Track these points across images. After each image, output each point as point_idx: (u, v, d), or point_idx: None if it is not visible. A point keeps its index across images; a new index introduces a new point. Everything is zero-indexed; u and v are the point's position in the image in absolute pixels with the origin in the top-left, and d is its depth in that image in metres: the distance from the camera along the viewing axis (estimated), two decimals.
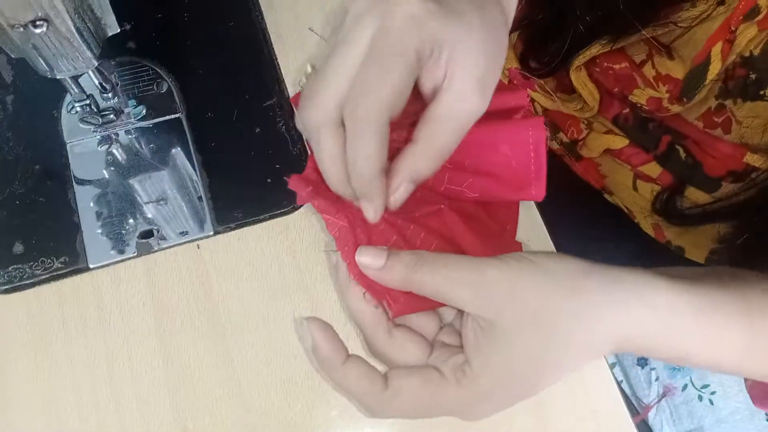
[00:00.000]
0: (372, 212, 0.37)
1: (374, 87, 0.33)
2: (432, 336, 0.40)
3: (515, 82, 0.62)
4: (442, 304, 0.39)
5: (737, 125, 0.49)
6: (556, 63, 0.55)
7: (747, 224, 0.47)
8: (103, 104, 0.48)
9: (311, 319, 0.36)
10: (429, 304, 0.39)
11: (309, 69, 0.36)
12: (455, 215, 0.41)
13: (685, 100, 0.47)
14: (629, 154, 0.58)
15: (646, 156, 0.57)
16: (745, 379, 0.55)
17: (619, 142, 0.58)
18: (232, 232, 0.46)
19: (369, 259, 0.37)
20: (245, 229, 0.46)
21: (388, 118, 0.33)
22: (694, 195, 0.54)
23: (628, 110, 0.57)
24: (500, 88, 0.45)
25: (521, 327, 0.34)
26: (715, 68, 0.44)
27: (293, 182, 0.40)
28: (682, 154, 0.54)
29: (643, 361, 0.68)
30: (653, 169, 0.57)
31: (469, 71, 0.34)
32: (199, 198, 0.47)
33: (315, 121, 0.35)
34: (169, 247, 0.46)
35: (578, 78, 0.55)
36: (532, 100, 0.63)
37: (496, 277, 0.35)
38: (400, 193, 0.37)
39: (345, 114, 0.34)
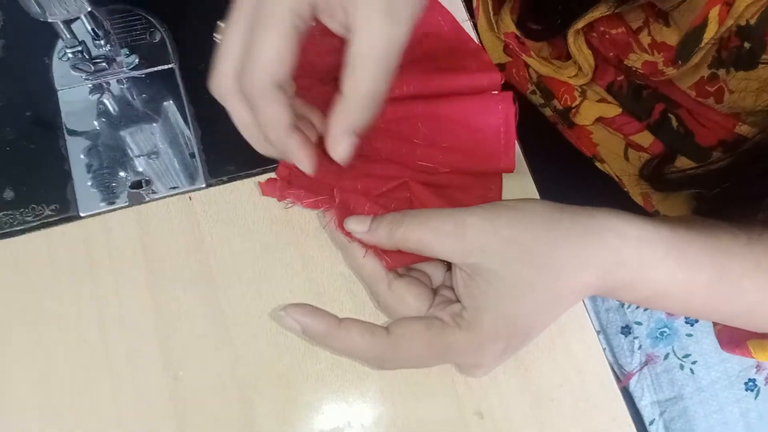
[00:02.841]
0: (304, 166, 0.38)
1: (253, 57, 0.33)
2: (439, 282, 0.41)
3: (511, 46, 0.62)
4: (432, 258, 0.40)
5: (729, 95, 0.49)
6: (558, 24, 0.55)
7: (724, 188, 0.48)
8: (95, 52, 0.47)
9: (288, 306, 0.38)
10: (419, 258, 0.40)
11: (219, 24, 0.37)
12: (421, 186, 0.42)
13: (680, 62, 0.47)
14: (621, 123, 0.58)
15: (639, 125, 0.57)
16: (714, 324, 0.56)
17: (612, 110, 0.58)
18: (225, 185, 0.46)
19: (355, 225, 0.39)
20: (237, 182, 0.46)
21: (271, 83, 0.33)
22: (685, 165, 0.55)
23: (622, 77, 0.57)
24: (474, 69, 0.46)
25: (505, 263, 0.36)
26: (711, 30, 0.44)
27: (266, 189, 0.43)
28: (675, 123, 0.55)
29: (626, 330, 0.69)
30: (645, 138, 0.57)
31: (366, 3, 0.32)
32: (191, 150, 0.47)
33: (219, 93, 0.36)
34: (161, 198, 0.45)
35: (575, 43, 0.55)
36: (527, 66, 0.63)
37: (475, 221, 0.36)
38: (342, 148, 0.37)
39: (240, 86, 0.35)
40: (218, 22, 0.37)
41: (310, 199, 0.41)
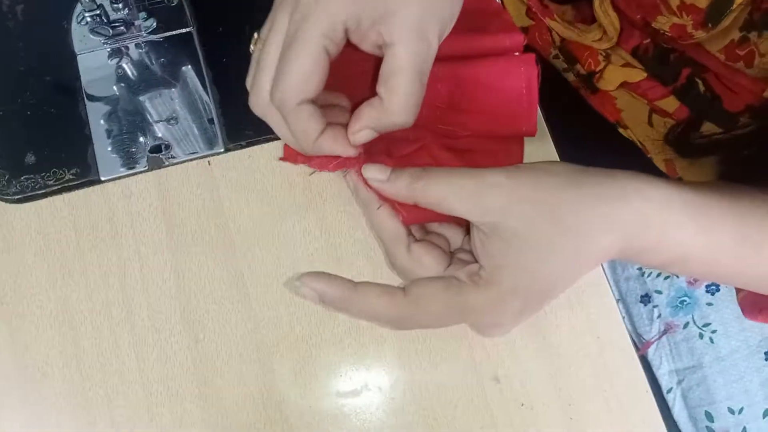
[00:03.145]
0: (347, 154, 0.39)
1: (282, 75, 0.36)
2: (457, 246, 0.41)
3: (534, 9, 0.61)
4: (450, 218, 0.39)
5: (760, 58, 0.48)
6: None
7: (749, 154, 0.47)
8: (113, 15, 0.47)
9: (304, 276, 0.38)
10: (437, 216, 0.39)
11: (255, 36, 0.39)
12: (442, 149, 0.42)
13: (710, 25, 0.46)
14: (646, 88, 0.57)
15: (664, 90, 0.56)
16: (737, 291, 0.56)
17: (637, 75, 0.57)
18: (243, 150, 0.46)
19: (374, 173, 0.39)
20: (256, 147, 0.46)
21: (302, 100, 0.36)
22: (710, 131, 0.54)
23: (648, 41, 0.55)
24: (496, 29, 0.45)
25: (525, 221, 0.36)
26: None
27: (290, 155, 0.43)
28: (702, 88, 0.53)
29: (646, 299, 0.68)
30: (670, 103, 0.56)
31: (400, 24, 0.35)
32: (210, 115, 0.47)
33: (259, 110, 0.39)
34: (180, 162, 0.46)
35: (601, 5, 0.54)
36: (550, 30, 0.62)
37: (496, 180, 0.36)
38: (359, 136, 0.38)
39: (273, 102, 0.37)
40: (255, 34, 0.39)
41: (335, 161, 0.41)
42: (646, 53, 0.56)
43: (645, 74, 0.57)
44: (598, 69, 0.59)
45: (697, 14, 0.48)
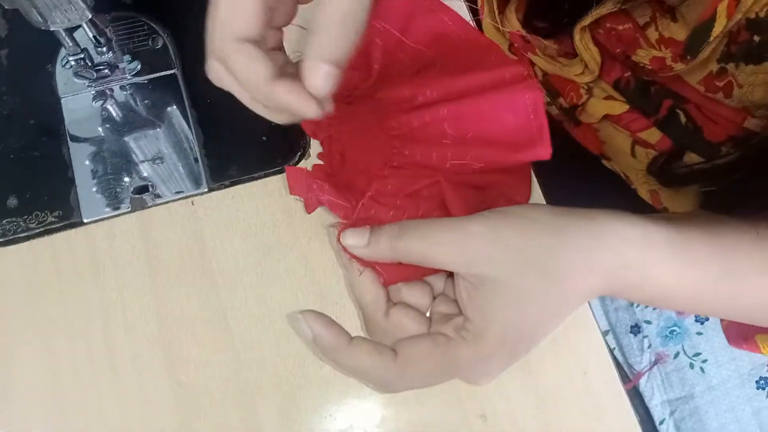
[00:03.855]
0: (306, 110, 0.34)
1: (215, 16, 0.33)
2: (427, 308, 0.40)
3: (516, 45, 0.62)
4: (432, 271, 0.39)
5: (738, 89, 0.48)
6: (564, 21, 0.54)
7: (731, 184, 0.47)
8: (97, 59, 0.47)
9: (306, 312, 0.36)
10: (418, 272, 0.39)
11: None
12: (452, 186, 0.42)
13: (688, 57, 0.46)
14: (628, 120, 0.57)
15: (646, 122, 0.57)
16: (721, 320, 0.56)
17: (619, 107, 0.57)
18: (227, 190, 0.46)
19: (353, 239, 0.38)
20: (239, 186, 0.46)
21: (238, 37, 0.33)
22: (693, 161, 0.54)
23: (629, 74, 0.56)
24: (494, 64, 0.45)
25: (510, 271, 0.35)
26: (720, 25, 0.43)
27: (291, 175, 0.43)
28: (683, 119, 0.54)
29: (636, 329, 0.68)
30: (653, 135, 0.57)
31: None
32: (194, 155, 0.47)
33: (212, 73, 0.36)
34: (164, 203, 0.46)
35: (582, 40, 0.54)
36: (533, 65, 0.62)
37: (477, 230, 0.36)
38: (319, 76, 0.33)
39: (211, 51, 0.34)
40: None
41: (333, 197, 0.40)
42: (628, 86, 0.57)
43: (627, 106, 0.57)
44: (580, 102, 0.59)
45: (676, 47, 0.49)
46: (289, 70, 0.36)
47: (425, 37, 0.47)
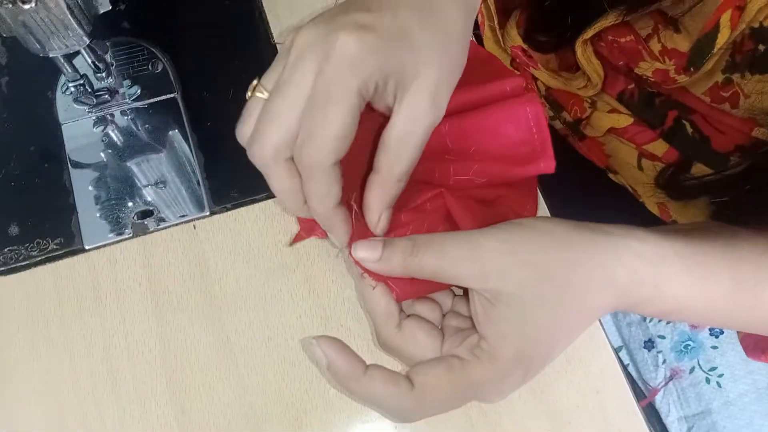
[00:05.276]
0: (339, 241, 0.38)
1: (317, 133, 0.33)
2: (438, 323, 0.40)
3: (518, 60, 0.61)
4: (443, 286, 0.39)
5: (745, 99, 0.47)
6: (566, 34, 0.54)
7: (742, 194, 0.47)
8: (97, 84, 0.47)
9: (321, 337, 0.35)
10: (431, 287, 0.39)
11: (255, 83, 0.37)
12: (454, 197, 0.41)
13: (692, 69, 0.46)
14: (634, 133, 0.57)
15: (652, 134, 0.56)
16: (738, 331, 0.55)
17: (624, 120, 0.57)
18: (228, 213, 0.46)
19: (365, 252, 0.37)
20: (241, 209, 0.46)
21: (333, 160, 0.34)
22: (701, 172, 0.53)
23: (633, 86, 0.56)
24: (493, 77, 0.45)
25: (526, 285, 0.35)
26: (723, 36, 0.43)
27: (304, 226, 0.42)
28: (689, 130, 0.53)
29: (649, 344, 0.67)
30: (659, 147, 0.56)
31: (419, 90, 0.34)
32: (196, 178, 0.46)
33: (260, 161, 0.36)
34: (165, 227, 0.45)
35: (584, 53, 0.54)
36: (535, 79, 0.62)
37: (491, 245, 0.35)
38: (382, 222, 0.38)
39: (295, 158, 0.35)
40: (255, 80, 0.37)
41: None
42: (632, 98, 0.56)
43: (632, 119, 0.56)
44: (584, 116, 0.59)
45: (679, 59, 0.48)
46: None
47: None
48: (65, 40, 0.40)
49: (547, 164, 0.43)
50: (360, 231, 0.39)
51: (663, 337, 0.66)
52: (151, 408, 0.42)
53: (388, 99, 0.35)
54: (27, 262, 0.44)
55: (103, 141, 0.47)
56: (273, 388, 0.42)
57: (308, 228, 0.42)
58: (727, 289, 0.37)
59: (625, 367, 0.68)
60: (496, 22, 0.61)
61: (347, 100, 0.33)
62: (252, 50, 0.50)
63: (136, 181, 0.47)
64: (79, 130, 0.47)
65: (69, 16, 0.39)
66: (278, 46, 0.51)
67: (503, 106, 0.43)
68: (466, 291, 0.40)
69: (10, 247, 0.44)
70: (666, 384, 0.66)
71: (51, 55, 0.41)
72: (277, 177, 0.36)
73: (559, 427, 0.42)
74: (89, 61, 0.45)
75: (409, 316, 0.39)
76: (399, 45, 0.34)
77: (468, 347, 0.36)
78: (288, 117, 0.34)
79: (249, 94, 0.37)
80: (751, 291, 0.37)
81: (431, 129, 0.36)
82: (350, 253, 0.38)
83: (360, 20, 0.34)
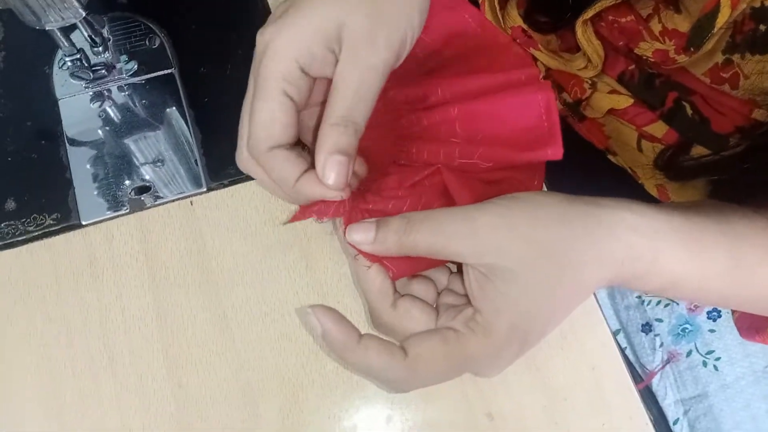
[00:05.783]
0: (331, 196, 0.38)
1: (252, 126, 0.37)
2: (433, 303, 0.40)
3: (518, 41, 0.61)
4: (439, 262, 0.38)
5: (745, 80, 0.47)
6: (569, 15, 0.53)
7: (740, 174, 0.47)
8: (94, 59, 0.47)
9: (316, 306, 0.35)
10: (427, 263, 0.38)
11: None
12: (454, 174, 0.41)
13: (692, 49, 0.46)
14: (634, 114, 0.57)
15: (652, 115, 0.56)
16: (733, 311, 0.55)
17: (624, 101, 0.57)
18: (226, 189, 0.46)
19: (359, 235, 0.37)
20: (239, 185, 0.46)
21: (273, 144, 0.36)
22: (701, 154, 0.53)
23: (633, 67, 0.55)
24: (509, 65, 0.45)
25: (524, 261, 0.35)
26: (724, 15, 0.42)
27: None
28: (689, 111, 0.53)
29: (647, 327, 0.67)
30: (659, 128, 0.56)
31: (348, 37, 0.36)
32: (193, 155, 0.46)
33: (242, 165, 0.40)
34: (162, 203, 0.45)
35: (584, 33, 0.53)
36: (535, 60, 0.62)
37: (487, 220, 0.35)
38: (328, 170, 0.36)
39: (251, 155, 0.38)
40: None
41: (333, 207, 0.40)
42: (632, 79, 0.56)
43: (632, 100, 0.56)
44: (584, 97, 0.59)
45: (679, 39, 0.48)
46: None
47: (442, 34, 0.47)
48: (61, 12, 0.40)
49: (555, 151, 0.42)
50: (356, 215, 0.39)
51: (660, 321, 0.66)
52: (147, 383, 0.42)
53: (328, 61, 0.37)
54: (24, 237, 0.44)
55: (100, 117, 0.47)
56: (269, 364, 0.42)
57: (305, 210, 0.41)
58: (724, 266, 0.37)
59: (622, 351, 0.68)
60: (496, 2, 0.61)
61: (268, 88, 0.36)
62: (250, 25, 0.50)
63: (133, 157, 0.46)
64: (76, 105, 0.47)
65: None
66: None
67: (515, 94, 0.42)
68: (460, 266, 0.39)
69: (7, 222, 0.44)
70: (663, 367, 0.66)
71: (47, 28, 0.41)
72: (257, 176, 0.40)
73: (556, 402, 0.42)
74: (86, 35, 0.45)
75: (403, 295, 0.39)
76: (315, 18, 0.36)
77: (463, 320, 0.36)
78: (244, 121, 0.39)
79: None
80: (747, 269, 0.37)
81: (373, 72, 0.37)
82: (344, 237, 0.38)
83: (283, 9, 0.37)
